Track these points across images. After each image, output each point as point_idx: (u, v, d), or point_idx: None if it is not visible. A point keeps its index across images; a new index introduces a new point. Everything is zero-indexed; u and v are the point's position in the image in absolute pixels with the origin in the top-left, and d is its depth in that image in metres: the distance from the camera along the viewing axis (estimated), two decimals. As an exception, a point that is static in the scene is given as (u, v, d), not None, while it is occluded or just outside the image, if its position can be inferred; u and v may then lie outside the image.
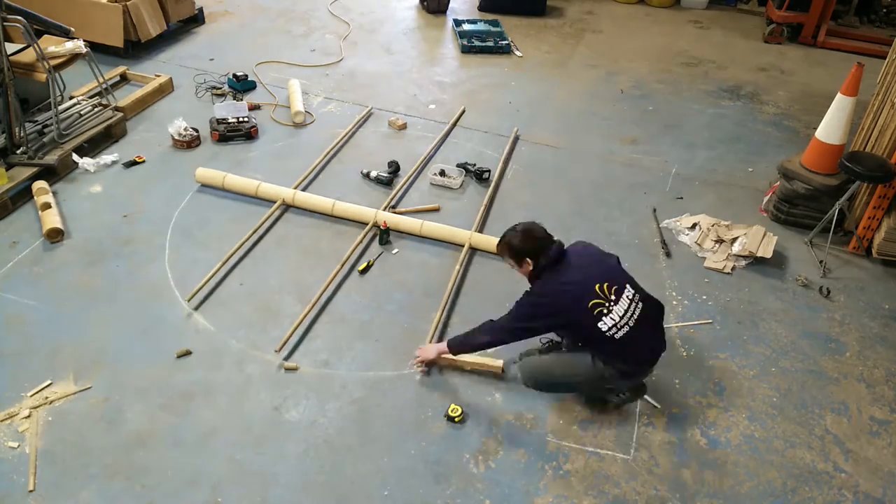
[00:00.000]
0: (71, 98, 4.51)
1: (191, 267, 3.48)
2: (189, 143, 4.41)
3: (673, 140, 4.90)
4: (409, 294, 3.43)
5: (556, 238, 2.71)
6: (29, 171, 3.89)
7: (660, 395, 2.98)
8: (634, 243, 3.86)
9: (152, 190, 4.03)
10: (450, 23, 6.65)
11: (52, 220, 3.59)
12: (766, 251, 3.71)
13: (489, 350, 2.99)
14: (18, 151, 3.96)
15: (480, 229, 3.86)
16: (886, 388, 3.10)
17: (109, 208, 3.86)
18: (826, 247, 3.83)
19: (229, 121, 4.54)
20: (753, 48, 6.59)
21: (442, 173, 4.25)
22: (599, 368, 2.67)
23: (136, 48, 5.46)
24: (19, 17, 3.69)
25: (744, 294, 3.56)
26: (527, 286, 2.76)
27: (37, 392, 2.81)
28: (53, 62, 4.00)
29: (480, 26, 6.40)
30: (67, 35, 4.14)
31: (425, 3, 6.89)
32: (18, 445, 2.62)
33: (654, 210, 4.13)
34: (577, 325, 2.63)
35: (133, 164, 4.22)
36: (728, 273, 3.68)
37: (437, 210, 4.03)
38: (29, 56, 4.00)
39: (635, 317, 2.62)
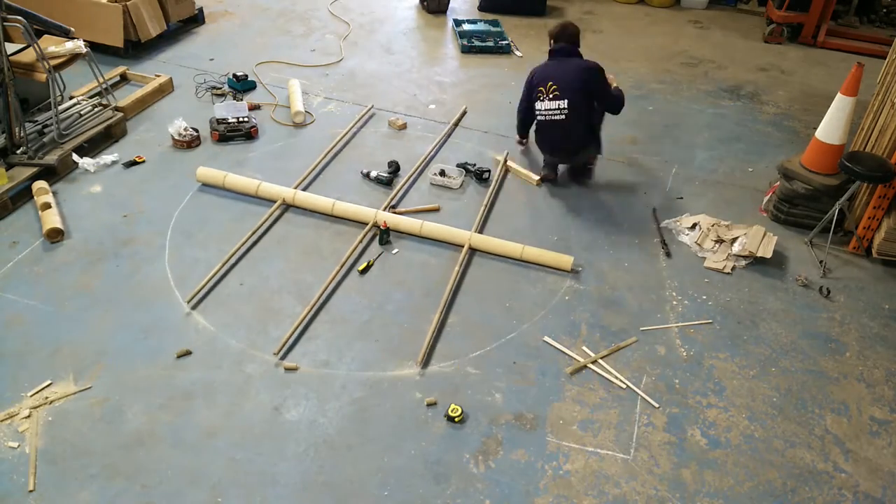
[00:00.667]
0: (71, 98, 4.51)
1: (191, 267, 3.48)
2: (189, 143, 4.41)
3: (673, 140, 4.90)
4: (408, 294, 3.43)
5: (576, 47, 4.07)
6: (29, 171, 3.89)
7: (660, 395, 2.99)
8: (634, 243, 3.86)
9: (152, 190, 4.03)
10: (450, 23, 6.65)
11: (52, 220, 3.59)
12: (766, 251, 3.71)
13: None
14: (18, 151, 3.97)
15: (480, 230, 3.86)
16: (886, 388, 3.10)
17: (109, 208, 3.86)
18: (826, 247, 3.83)
19: (229, 121, 4.53)
20: (753, 48, 6.59)
21: (442, 173, 4.25)
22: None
23: (136, 48, 5.46)
24: (19, 17, 3.69)
25: (744, 294, 3.56)
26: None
27: (37, 392, 2.81)
28: (53, 62, 4.01)
29: (480, 26, 6.40)
30: (67, 35, 4.14)
31: (425, 3, 6.89)
32: (18, 445, 2.62)
33: (654, 210, 4.13)
34: (529, 95, 4.18)
35: (133, 164, 4.22)
36: (728, 273, 3.68)
37: (437, 210, 4.03)
38: (29, 56, 4.00)
39: (554, 118, 4.02)
